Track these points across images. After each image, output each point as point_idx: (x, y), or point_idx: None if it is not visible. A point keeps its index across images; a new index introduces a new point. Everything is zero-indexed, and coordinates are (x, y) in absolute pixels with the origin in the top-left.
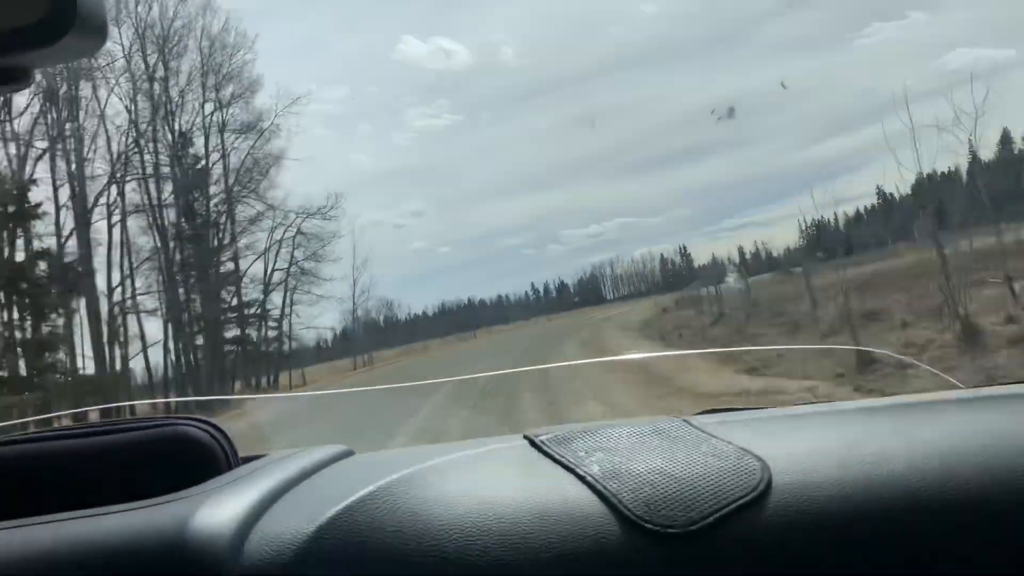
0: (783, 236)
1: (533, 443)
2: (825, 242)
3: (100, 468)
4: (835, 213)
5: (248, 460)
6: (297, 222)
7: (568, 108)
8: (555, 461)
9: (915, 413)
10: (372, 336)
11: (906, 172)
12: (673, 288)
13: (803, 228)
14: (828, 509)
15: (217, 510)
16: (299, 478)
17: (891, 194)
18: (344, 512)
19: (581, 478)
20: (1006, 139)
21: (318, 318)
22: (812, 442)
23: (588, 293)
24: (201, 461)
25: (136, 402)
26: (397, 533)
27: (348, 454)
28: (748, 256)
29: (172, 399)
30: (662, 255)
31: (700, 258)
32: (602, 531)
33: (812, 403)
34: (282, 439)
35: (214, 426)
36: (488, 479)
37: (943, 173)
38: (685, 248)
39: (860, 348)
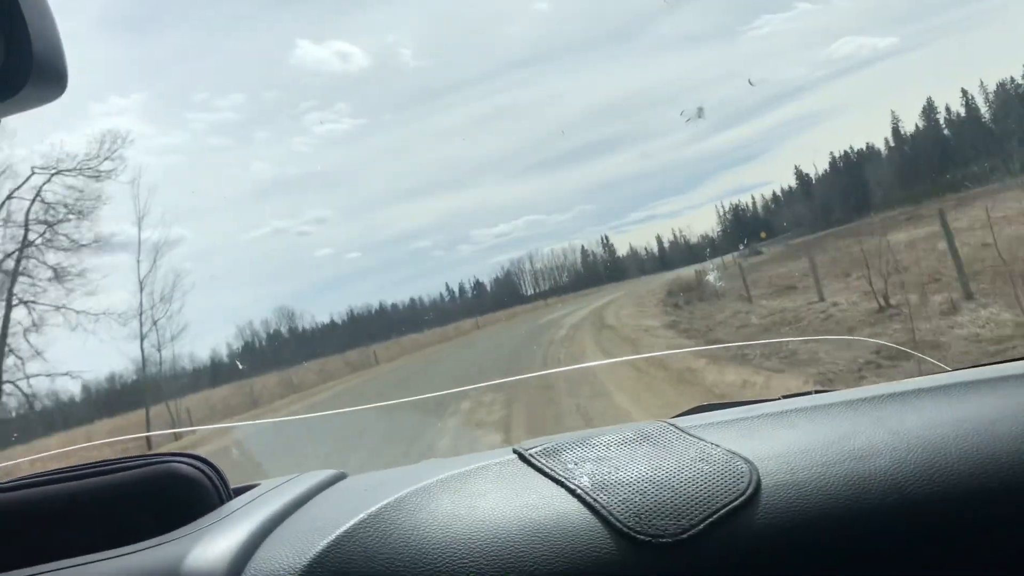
0: (701, 224)
1: (523, 457)
2: (748, 227)
3: (93, 510)
4: (753, 197)
5: (241, 491)
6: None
7: (470, 108)
8: (545, 475)
9: (898, 403)
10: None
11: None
12: (614, 278)
13: (721, 214)
14: (817, 509)
15: (209, 550)
16: (291, 508)
17: (808, 176)
18: (336, 543)
19: (571, 491)
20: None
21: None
22: (798, 441)
23: (505, 291)
24: (193, 498)
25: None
26: (390, 560)
27: (340, 477)
28: (667, 245)
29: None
30: (583, 247)
31: (620, 248)
32: (594, 544)
33: (796, 396)
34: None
35: (204, 460)
36: (479, 497)
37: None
38: (607, 238)
39: (881, 342)
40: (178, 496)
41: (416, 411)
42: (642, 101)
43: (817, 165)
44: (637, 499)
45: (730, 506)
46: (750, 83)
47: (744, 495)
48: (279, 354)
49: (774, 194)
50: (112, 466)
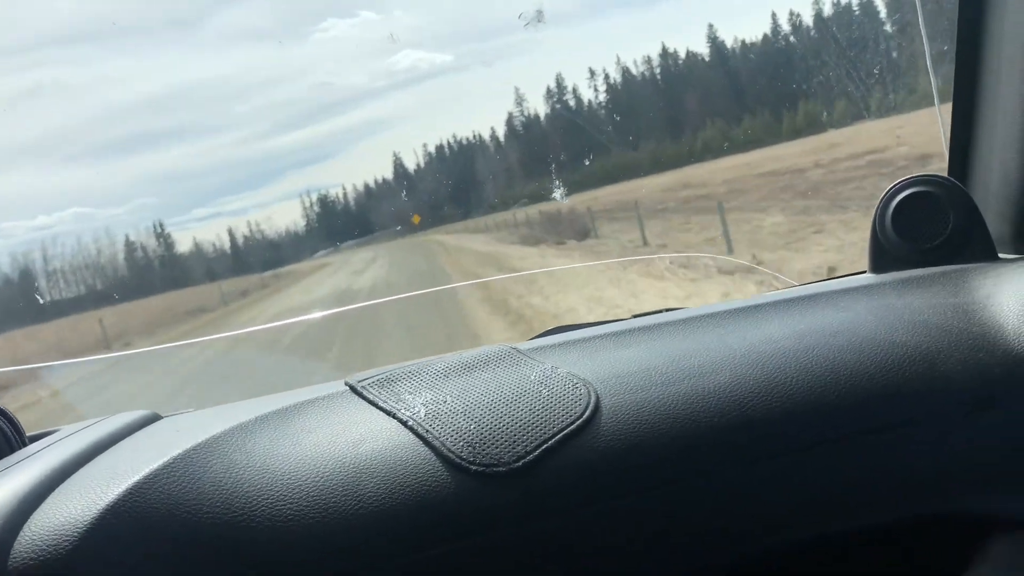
0: (280, 219)
1: (354, 389)
2: (338, 221)
3: None
4: (344, 191)
5: (38, 438)
6: None
7: (7, 83)
8: (376, 407)
9: (741, 318)
10: None
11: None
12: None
13: (307, 208)
14: (656, 428)
15: None
16: (91, 453)
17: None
18: (135, 489)
19: (403, 423)
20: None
21: None
22: (640, 359)
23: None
24: None
25: None
26: (197, 506)
27: (153, 419)
28: (241, 241)
29: None
30: (127, 237)
31: (183, 244)
32: (426, 477)
33: (645, 315)
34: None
35: None
36: (303, 434)
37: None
38: (162, 226)
39: (699, 255)
40: None
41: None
42: (207, 93)
43: (385, 169)
44: (472, 427)
45: (567, 430)
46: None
47: (581, 418)
48: None
49: (367, 189)
50: None
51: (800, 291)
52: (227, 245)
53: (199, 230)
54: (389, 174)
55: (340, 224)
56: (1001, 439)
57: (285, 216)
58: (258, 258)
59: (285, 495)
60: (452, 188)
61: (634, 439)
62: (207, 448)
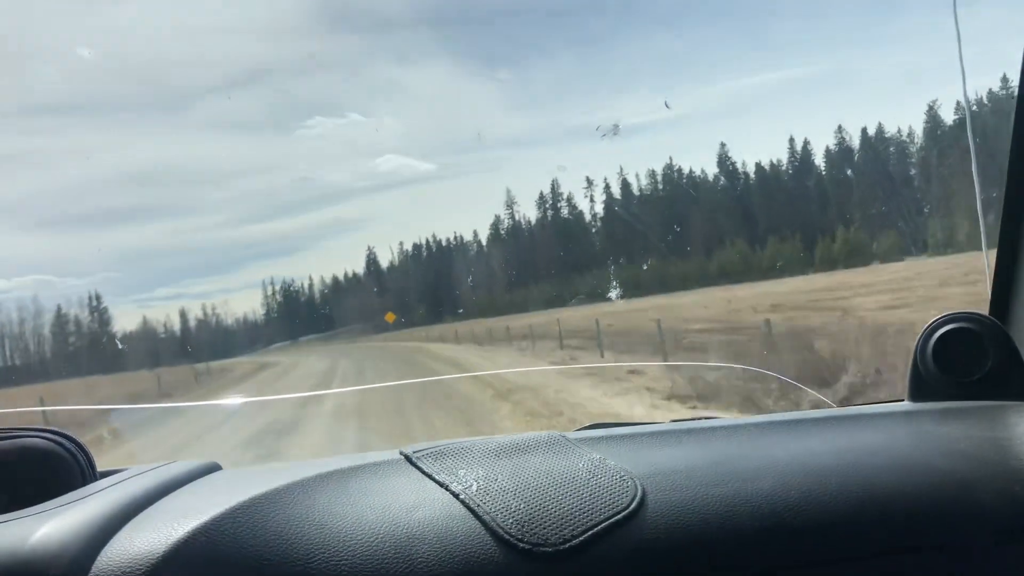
0: (240, 305)
1: (409, 459)
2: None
3: None
4: (310, 283)
5: (108, 474)
6: None
7: None
8: (430, 478)
9: (782, 431)
10: None
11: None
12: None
13: (268, 296)
14: (697, 527)
15: (64, 527)
16: (159, 493)
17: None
18: (202, 530)
19: (455, 495)
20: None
21: None
22: (684, 460)
23: None
24: (51, 475)
25: None
26: (259, 554)
27: (214, 468)
28: (193, 323)
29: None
30: (59, 308)
31: (130, 323)
32: (475, 550)
33: (684, 420)
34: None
35: (69, 438)
36: (359, 496)
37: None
38: (98, 299)
39: (749, 368)
40: (37, 473)
41: None
42: (183, 176)
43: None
44: (522, 507)
45: (613, 519)
46: (666, 105)
47: (627, 510)
48: None
49: (336, 282)
50: None
51: (840, 411)
52: (177, 327)
53: (151, 310)
54: (360, 269)
55: (303, 316)
56: None
57: (244, 303)
58: (206, 346)
59: (341, 551)
60: (427, 290)
61: (676, 535)
62: (271, 499)
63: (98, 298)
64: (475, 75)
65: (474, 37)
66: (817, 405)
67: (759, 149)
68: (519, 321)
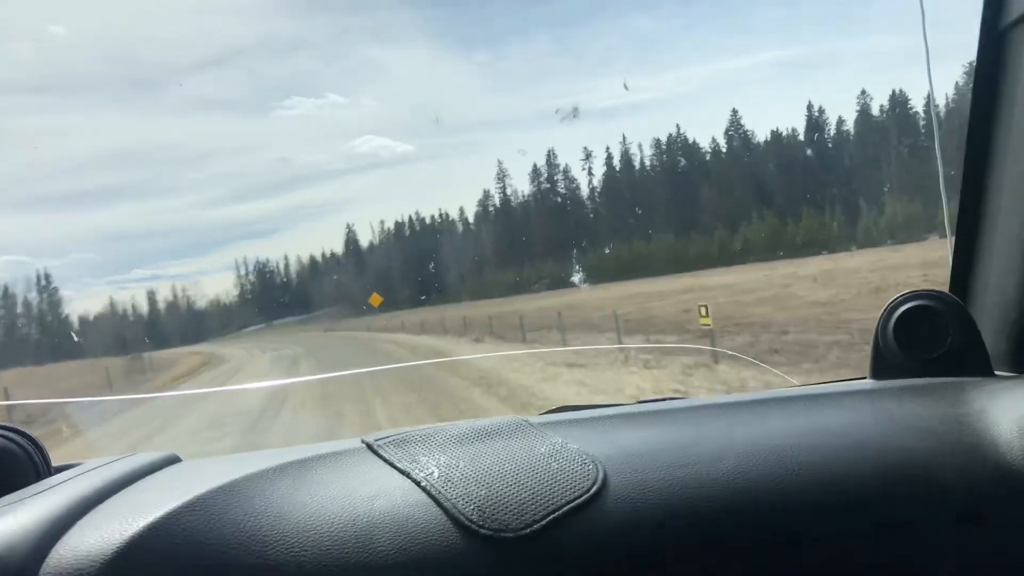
0: (213, 286)
1: (370, 447)
2: (275, 294)
3: None
4: (286, 263)
5: (63, 469)
6: None
7: None
8: (391, 466)
9: (746, 412)
10: None
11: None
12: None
13: (241, 278)
14: (659, 510)
15: (14, 525)
16: (115, 488)
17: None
18: (158, 524)
19: (417, 483)
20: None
21: None
22: (647, 443)
23: None
24: (7, 473)
25: None
26: (216, 547)
27: (173, 461)
28: (163, 305)
29: None
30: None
31: (98, 306)
32: (435, 538)
33: (651, 401)
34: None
35: (21, 434)
36: (319, 486)
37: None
38: (47, 279)
39: (712, 349)
40: None
41: None
42: (159, 156)
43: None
44: (483, 493)
45: (574, 503)
46: (624, 87)
47: (588, 493)
48: None
49: (314, 262)
50: None
51: (802, 391)
52: (144, 310)
53: (124, 292)
54: (339, 249)
55: (278, 298)
56: (991, 551)
57: (218, 285)
58: (176, 330)
59: (301, 543)
60: (409, 271)
61: (636, 517)
62: (228, 491)
63: (47, 278)
64: (453, 56)
65: (452, 18)
66: (781, 385)
67: (718, 131)
68: (512, 306)
